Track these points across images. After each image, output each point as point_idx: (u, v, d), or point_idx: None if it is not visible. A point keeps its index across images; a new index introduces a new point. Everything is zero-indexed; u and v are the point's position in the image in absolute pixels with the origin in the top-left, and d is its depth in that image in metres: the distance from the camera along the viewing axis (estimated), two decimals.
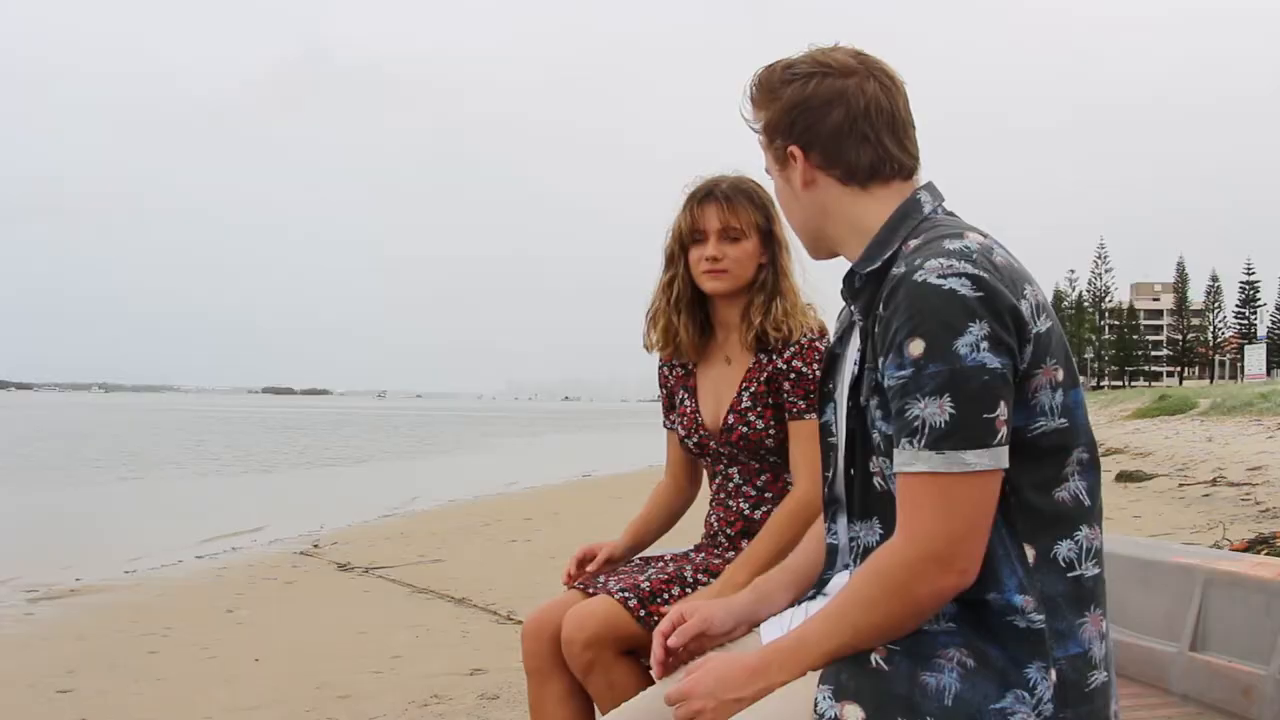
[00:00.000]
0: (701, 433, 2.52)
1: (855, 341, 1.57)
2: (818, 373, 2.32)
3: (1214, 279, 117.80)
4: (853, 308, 1.57)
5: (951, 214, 1.55)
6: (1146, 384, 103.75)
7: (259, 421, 63.34)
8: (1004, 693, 1.36)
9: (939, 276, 1.36)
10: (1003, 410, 1.35)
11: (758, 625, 1.69)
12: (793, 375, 2.43)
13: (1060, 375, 1.41)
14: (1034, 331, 1.39)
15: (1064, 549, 1.42)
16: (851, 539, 1.55)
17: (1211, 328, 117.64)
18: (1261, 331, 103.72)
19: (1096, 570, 1.45)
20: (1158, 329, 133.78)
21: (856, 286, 1.53)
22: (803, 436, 2.41)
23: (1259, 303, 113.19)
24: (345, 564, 8.48)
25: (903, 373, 1.36)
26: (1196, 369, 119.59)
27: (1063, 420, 1.41)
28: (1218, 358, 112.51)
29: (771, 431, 2.45)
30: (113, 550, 10.16)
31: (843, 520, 1.63)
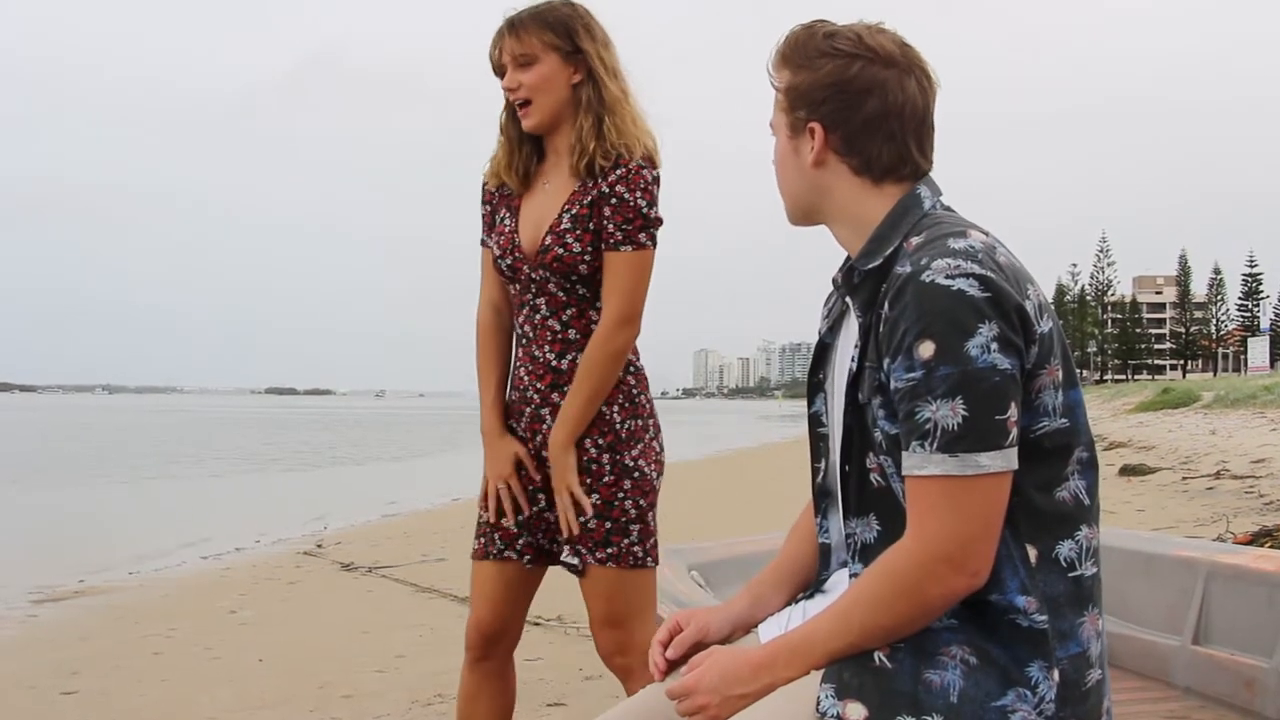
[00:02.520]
0: (516, 255, 2.42)
1: (849, 333, 1.55)
2: (640, 201, 2.34)
3: (1216, 272, 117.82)
4: (849, 300, 1.55)
5: (950, 209, 1.53)
6: (1150, 377, 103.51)
7: (261, 422, 63.36)
8: (1006, 690, 1.36)
9: (947, 277, 1.35)
10: (1013, 411, 1.34)
11: (754, 628, 1.68)
12: (614, 200, 2.33)
13: (1061, 375, 1.41)
14: (1039, 331, 1.38)
15: (1065, 549, 1.41)
16: (848, 535, 1.53)
17: (1214, 321, 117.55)
18: (1264, 324, 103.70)
19: (1095, 569, 1.44)
20: (1160, 322, 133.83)
21: (855, 282, 1.51)
22: (616, 268, 2.35)
23: (1262, 295, 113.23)
24: (348, 564, 8.49)
25: (912, 375, 1.35)
26: (1199, 362, 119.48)
27: (1064, 420, 1.41)
28: (1221, 350, 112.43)
29: (586, 258, 2.37)
30: (116, 551, 10.17)
31: (834, 517, 1.61)
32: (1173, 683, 2.54)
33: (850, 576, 1.52)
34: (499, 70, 2.38)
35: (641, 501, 2.42)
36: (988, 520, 1.35)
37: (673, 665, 1.62)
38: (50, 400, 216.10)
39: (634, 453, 2.43)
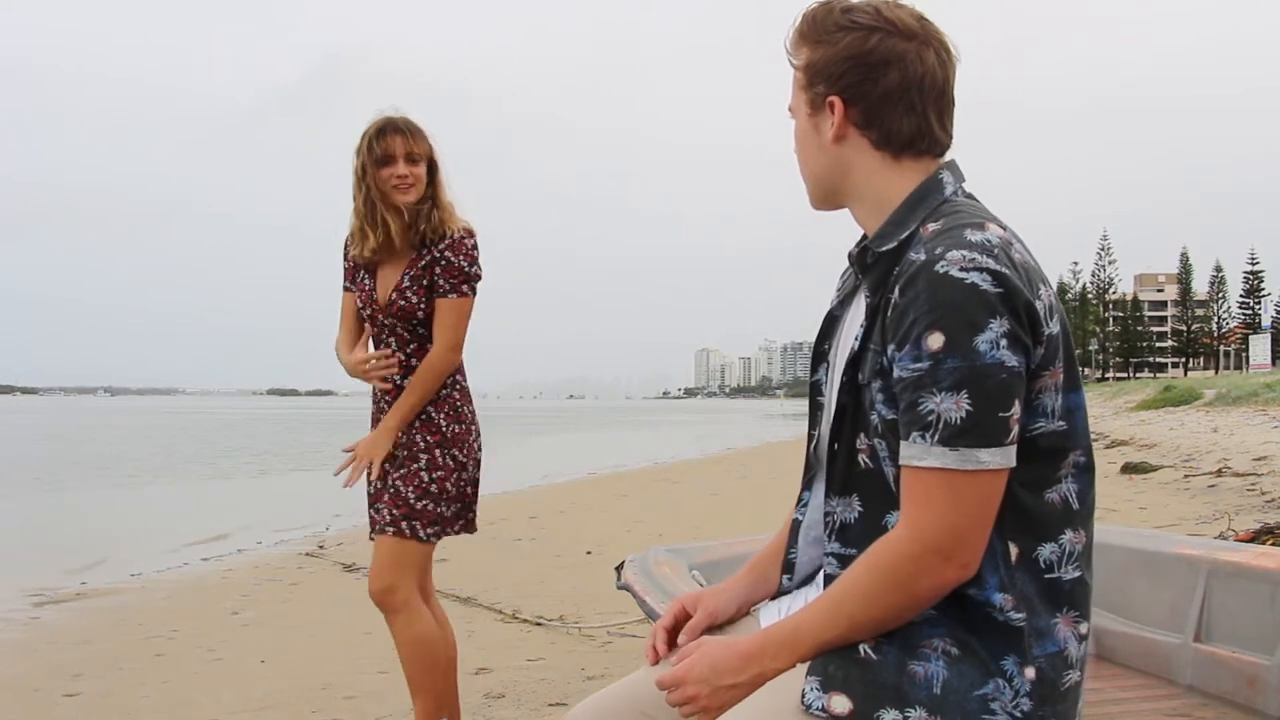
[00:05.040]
0: (373, 307, 3.22)
1: (858, 309, 1.53)
2: (462, 262, 3.13)
3: (1218, 269, 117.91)
4: (860, 278, 1.54)
5: (971, 196, 1.52)
6: (1151, 375, 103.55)
7: (263, 423, 63.36)
8: (987, 680, 1.36)
9: (961, 269, 1.33)
10: (1016, 409, 1.34)
11: (756, 605, 1.69)
12: (443, 262, 3.13)
13: (1063, 378, 1.40)
14: (1046, 333, 1.37)
15: (1047, 551, 1.41)
16: (826, 513, 1.52)
17: (1216, 318, 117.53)
18: (1266, 321, 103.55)
19: (1078, 573, 1.43)
20: (1162, 320, 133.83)
21: (869, 263, 1.50)
22: (444, 311, 3.14)
23: (1263, 292, 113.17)
24: (350, 565, 8.47)
25: (919, 365, 1.34)
26: (1201, 360, 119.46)
27: (1062, 423, 1.40)
28: (1222, 348, 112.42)
29: (423, 306, 3.15)
30: (118, 553, 10.17)
31: (817, 488, 1.60)
32: (1175, 680, 2.54)
33: (825, 555, 1.52)
34: (386, 159, 3.13)
35: (466, 487, 3.25)
36: (981, 515, 1.35)
37: (669, 647, 1.63)
38: (51, 402, 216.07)
39: (460, 450, 3.21)
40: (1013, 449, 1.34)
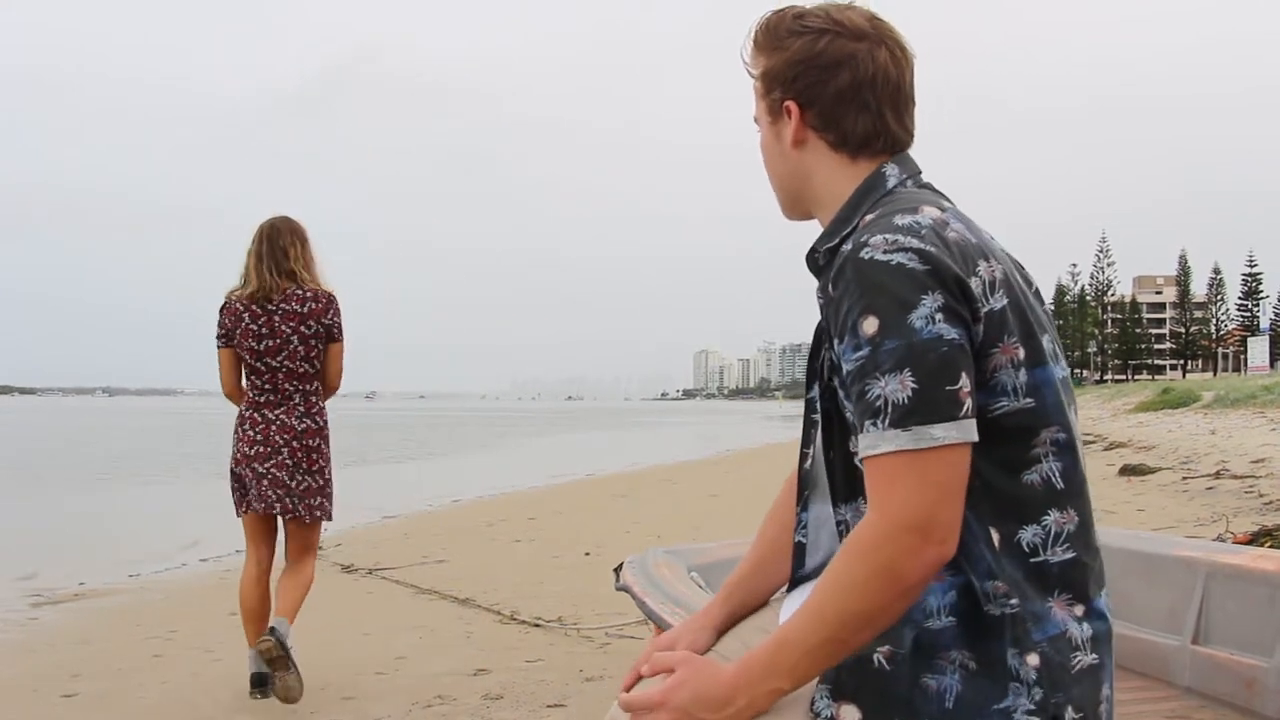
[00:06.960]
0: None
1: None
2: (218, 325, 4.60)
3: (1216, 271, 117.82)
4: (817, 280, 1.52)
5: (926, 186, 1.51)
6: (1150, 377, 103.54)
7: None
8: (1005, 693, 1.33)
9: (885, 252, 1.32)
10: (965, 382, 1.30)
11: (737, 625, 1.66)
12: None
13: (1022, 353, 1.36)
14: (985, 310, 1.34)
15: (1029, 534, 1.37)
16: (838, 522, 1.48)
17: (1214, 320, 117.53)
18: (1264, 324, 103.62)
19: (1069, 555, 1.39)
20: (1160, 322, 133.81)
21: (820, 264, 1.49)
22: None
23: (1262, 295, 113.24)
24: (349, 565, 8.47)
25: (860, 353, 1.32)
26: (1199, 362, 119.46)
27: (1029, 400, 1.37)
28: (1221, 350, 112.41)
29: None
30: (116, 554, 10.16)
31: (815, 508, 1.57)
32: (1173, 682, 2.54)
33: None
34: None
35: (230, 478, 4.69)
36: (948, 492, 1.29)
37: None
38: (50, 403, 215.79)
39: (231, 455, 4.68)
40: (970, 423, 1.30)
